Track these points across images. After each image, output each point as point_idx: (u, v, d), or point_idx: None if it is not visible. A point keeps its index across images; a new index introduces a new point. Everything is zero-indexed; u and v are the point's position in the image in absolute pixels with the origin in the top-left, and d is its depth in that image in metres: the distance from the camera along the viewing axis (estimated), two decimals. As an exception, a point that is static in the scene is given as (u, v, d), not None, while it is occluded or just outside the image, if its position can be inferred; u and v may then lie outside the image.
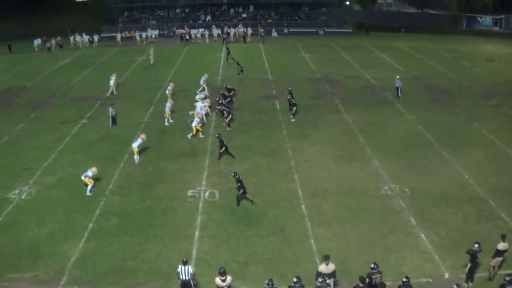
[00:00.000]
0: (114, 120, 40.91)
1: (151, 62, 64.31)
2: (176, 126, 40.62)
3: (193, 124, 37.67)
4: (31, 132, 40.25)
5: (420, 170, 32.03)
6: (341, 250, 23.26)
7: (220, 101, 41.75)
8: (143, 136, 34.03)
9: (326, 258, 19.88)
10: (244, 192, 27.96)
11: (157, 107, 45.13)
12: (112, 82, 50.53)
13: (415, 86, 52.65)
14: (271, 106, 45.67)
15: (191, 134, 37.82)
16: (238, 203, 27.92)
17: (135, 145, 33.31)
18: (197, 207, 27.80)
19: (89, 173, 29.73)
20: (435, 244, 24.03)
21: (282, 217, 26.64)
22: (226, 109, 40.51)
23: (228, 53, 65.51)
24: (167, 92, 46.11)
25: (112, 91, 50.37)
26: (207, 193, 29.28)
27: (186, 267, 19.77)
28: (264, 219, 26.39)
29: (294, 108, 41.60)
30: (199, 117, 38.09)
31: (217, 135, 34.70)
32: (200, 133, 38.01)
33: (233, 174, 28.53)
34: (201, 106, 40.86)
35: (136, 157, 33.38)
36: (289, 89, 43.76)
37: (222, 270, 19.19)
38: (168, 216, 26.92)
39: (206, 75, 49.81)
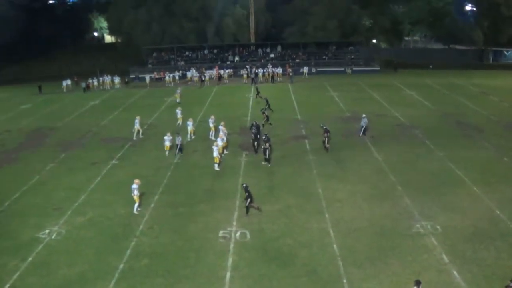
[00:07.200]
0: (181, 149, 42.94)
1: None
2: (207, 166, 40.68)
3: None
4: (61, 172, 40.91)
5: (452, 207, 31.73)
6: (375, 290, 23.13)
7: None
8: (137, 181, 33.15)
9: (417, 283, 20.58)
10: (251, 201, 31.13)
11: (186, 148, 45.36)
12: (137, 125, 49.97)
13: (444, 123, 52.50)
14: (300, 146, 45.61)
15: None
16: (247, 212, 31.45)
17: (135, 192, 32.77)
18: (228, 247, 27.69)
19: None
20: (468, 281, 23.70)
21: (314, 257, 26.40)
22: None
23: (258, 93, 66.16)
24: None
25: (138, 133, 50.28)
26: (238, 234, 29.18)
27: None
28: (296, 260, 26.18)
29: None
30: None
31: (244, 185, 32.46)
32: None
33: (244, 185, 31.80)
34: None
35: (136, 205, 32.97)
36: (323, 127, 44.14)
37: None
38: (200, 257, 26.83)
39: None
